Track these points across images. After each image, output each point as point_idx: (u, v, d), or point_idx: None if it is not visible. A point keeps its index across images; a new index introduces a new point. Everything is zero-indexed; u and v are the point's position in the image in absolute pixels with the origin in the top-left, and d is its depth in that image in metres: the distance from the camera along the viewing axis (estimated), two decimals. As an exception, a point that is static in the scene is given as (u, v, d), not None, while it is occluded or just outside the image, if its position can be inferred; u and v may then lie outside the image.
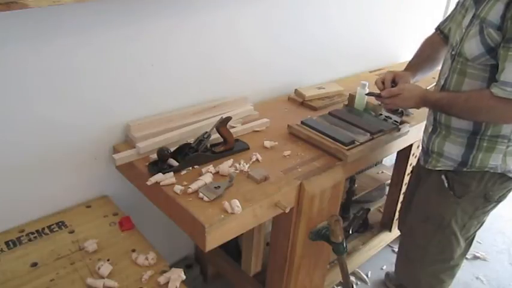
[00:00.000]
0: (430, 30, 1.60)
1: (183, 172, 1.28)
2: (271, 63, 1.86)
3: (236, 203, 1.12)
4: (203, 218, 1.08)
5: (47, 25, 1.16)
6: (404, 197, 1.82)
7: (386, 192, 2.17)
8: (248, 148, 1.43)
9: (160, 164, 1.28)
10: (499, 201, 1.39)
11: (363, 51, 2.33)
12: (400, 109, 1.60)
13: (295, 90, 1.89)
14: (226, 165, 1.29)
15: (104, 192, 1.49)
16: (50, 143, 1.30)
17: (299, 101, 1.84)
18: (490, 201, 1.37)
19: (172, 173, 1.24)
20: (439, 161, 1.40)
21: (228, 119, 1.38)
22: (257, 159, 1.37)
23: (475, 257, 2.23)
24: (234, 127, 1.53)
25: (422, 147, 1.50)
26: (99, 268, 1.14)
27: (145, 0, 1.33)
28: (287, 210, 1.22)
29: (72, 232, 1.29)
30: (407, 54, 1.61)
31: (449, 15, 1.51)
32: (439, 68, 1.49)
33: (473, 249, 2.25)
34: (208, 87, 1.65)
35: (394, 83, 1.46)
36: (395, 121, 1.60)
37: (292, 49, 1.91)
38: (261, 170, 1.28)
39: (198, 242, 1.15)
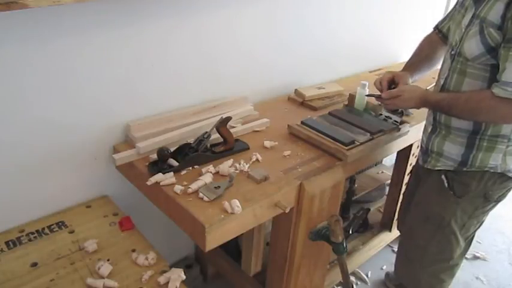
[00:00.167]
0: (429, 30, 1.60)
1: (183, 172, 1.28)
2: (271, 63, 1.86)
3: (236, 203, 1.12)
4: (203, 218, 1.08)
5: (47, 25, 1.16)
6: (403, 198, 1.82)
7: (387, 192, 2.17)
8: (248, 148, 1.43)
9: (160, 164, 1.28)
10: (498, 200, 1.39)
11: (363, 51, 2.33)
12: (400, 109, 1.61)
13: (295, 90, 1.89)
14: (226, 165, 1.29)
15: (104, 192, 1.49)
16: (50, 143, 1.30)
17: (299, 101, 1.84)
18: (489, 200, 1.37)
19: (172, 173, 1.24)
20: (438, 161, 1.40)
21: (228, 119, 1.38)
22: (257, 159, 1.37)
23: (475, 257, 2.23)
24: (234, 127, 1.53)
25: (422, 147, 1.50)
26: (99, 268, 1.14)
27: (145, 0, 1.33)
28: (287, 210, 1.22)
29: (72, 232, 1.29)
30: (407, 54, 1.61)
31: (448, 15, 1.51)
32: (438, 67, 1.50)
33: (473, 249, 2.25)
34: (208, 87, 1.65)
35: (393, 83, 1.46)
36: (395, 121, 1.60)
37: (292, 49, 1.91)
38: (261, 170, 1.28)
39: (198, 242, 1.15)
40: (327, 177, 1.35)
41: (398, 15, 2.44)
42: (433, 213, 1.44)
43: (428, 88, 1.70)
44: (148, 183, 1.21)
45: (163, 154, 1.25)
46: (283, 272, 1.46)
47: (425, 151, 1.46)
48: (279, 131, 1.57)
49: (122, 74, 1.38)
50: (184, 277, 1.14)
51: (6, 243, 1.23)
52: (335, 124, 1.56)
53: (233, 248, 1.82)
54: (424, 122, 1.53)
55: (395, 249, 2.13)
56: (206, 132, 1.36)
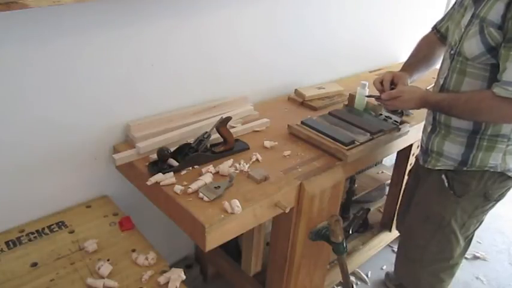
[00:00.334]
0: (429, 30, 1.60)
1: (183, 172, 1.28)
2: (271, 63, 1.86)
3: (236, 203, 1.12)
4: (203, 218, 1.08)
5: (47, 25, 1.16)
6: (402, 198, 1.82)
7: (387, 192, 2.17)
8: (248, 148, 1.43)
9: (160, 164, 1.28)
10: (498, 200, 1.40)
11: (363, 51, 2.33)
12: (400, 109, 1.61)
13: (295, 90, 1.89)
14: (226, 165, 1.29)
15: (104, 192, 1.49)
16: (50, 143, 1.30)
17: (299, 101, 1.84)
18: (489, 200, 1.38)
19: (172, 173, 1.24)
20: (438, 161, 1.40)
21: (228, 119, 1.38)
22: (257, 159, 1.37)
23: (475, 257, 2.23)
24: (234, 127, 1.53)
25: (421, 146, 1.50)
26: (99, 268, 1.14)
27: (145, 0, 1.33)
28: (287, 210, 1.22)
29: (72, 232, 1.29)
30: (407, 54, 1.61)
31: (446, 14, 1.52)
32: (436, 67, 1.50)
33: (473, 249, 2.25)
34: (208, 87, 1.65)
35: (392, 83, 1.46)
36: (395, 121, 1.60)
37: (292, 49, 1.91)
38: (261, 170, 1.28)
39: (198, 242, 1.15)
40: (327, 177, 1.35)
41: (398, 15, 2.44)
42: (433, 213, 1.44)
43: (428, 88, 1.70)
44: (148, 183, 1.21)
45: (163, 154, 1.25)
46: (283, 272, 1.46)
47: (425, 151, 1.46)
48: (279, 131, 1.57)
49: (122, 74, 1.38)
50: (184, 277, 1.14)
51: (6, 243, 1.23)
52: (335, 124, 1.56)
53: (233, 248, 1.82)
54: (423, 122, 1.53)
55: (395, 249, 2.13)
56: (206, 132, 1.36)
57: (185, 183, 1.22)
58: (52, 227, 1.31)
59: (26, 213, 1.32)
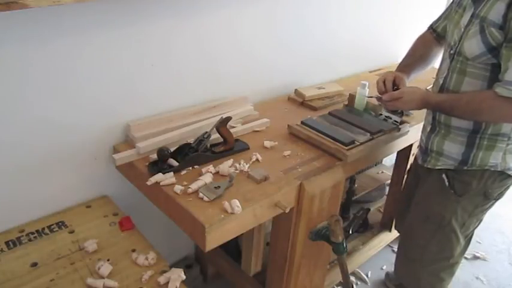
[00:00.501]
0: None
1: (183, 172, 1.28)
2: (271, 63, 1.86)
3: (236, 203, 1.12)
4: (203, 218, 1.08)
5: (47, 25, 1.16)
6: (401, 197, 1.82)
7: (387, 192, 2.17)
8: (248, 148, 1.43)
9: (160, 164, 1.28)
10: (497, 198, 1.40)
11: (363, 51, 2.33)
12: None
13: (295, 90, 1.89)
14: (226, 165, 1.29)
15: (104, 192, 1.49)
16: (50, 143, 1.30)
17: (299, 101, 1.84)
18: (489, 198, 1.38)
19: (172, 173, 1.24)
20: (438, 160, 1.40)
21: (228, 119, 1.38)
22: (257, 159, 1.37)
23: (475, 257, 2.23)
24: (234, 127, 1.53)
25: (421, 146, 1.50)
26: (99, 268, 1.14)
27: (145, 0, 1.33)
28: (287, 210, 1.22)
29: (72, 232, 1.29)
30: (406, 54, 1.61)
31: (442, 14, 1.52)
32: (432, 66, 1.50)
33: (473, 249, 2.25)
34: (209, 87, 1.65)
35: (394, 84, 1.46)
36: (395, 121, 1.60)
37: (292, 49, 1.91)
38: (261, 170, 1.28)
39: (198, 242, 1.15)
40: (327, 177, 1.35)
41: (398, 15, 2.44)
42: (434, 213, 1.44)
43: (427, 88, 1.70)
44: (148, 183, 1.21)
45: (163, 154, 1.25)
46: (283, 272, 1.46)
47: (424, 151, 1.46)
48: (279, 131, 1.57)
49: (122, 74, 1.38)
50: (184, 277, 1.14)
51: (6, 243, 1.23)
52: (335, 124, 1.56)
53: (233, 248, 1.82)
54: (423, 122, 1.54)
55: (395, 249, 2.13)
56: (206, 132, 1.36)
57: (185, 183, 1.22)
58: (52, 227, 1.31)
59: (26, 213, 1.32)
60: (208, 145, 1.38)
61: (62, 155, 1.34)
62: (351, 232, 1.51)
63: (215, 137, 1.39)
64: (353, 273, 2.03)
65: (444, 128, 1.38)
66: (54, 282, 1.10)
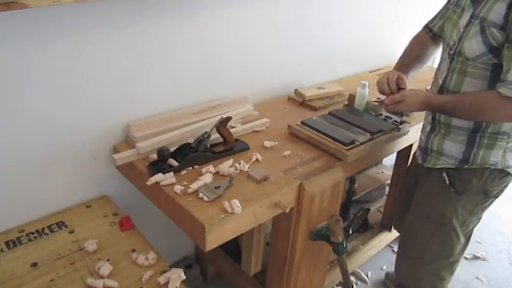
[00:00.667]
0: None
1: (183, 172, 1.28)
2: (272, 63, 1.86)
3: (236, 203, 1.12)
4: (203, 218, 1.08)
5: (47, 25, 1.16)
6: (400, 196, 1.82)
7: (387, 192, 2.17)
8: (248, 148, 1.43)
9: (160, 164, 1.28)
10: (496, 196, 1.41)
11: (363, 51, 2.33)
12: (400, 110, 1.61)
13: (295, 90, 1.89)
14: (226, 165, 1.29)
15: (104, 192, 1.49)
16: (50, 143, 1.30)
17: (299, 101, 1.84)
18: (488, 196, 1.39)
19: (172, 173, 1.24)
20: (439, 159, 1.41)
21: (228, 119, 1.38)
22: (257, 159, 1.37)
23: (475, 257, 2.23)
24: (234, 127, 1.53)
25: (421, 146, 1.50)
26: (99, 268, 1.14)
27: (145, 0, 1.33)
28: (287, 210, 1.22)
29: (72, 232, 1.29)
30: (406, 54, 1.61)
31: (438, 14, 1.52)
32: (427, 65, 1.50)
33: (473, 249, 2.25)
34: (209, 87, 1.65)
35: (396, 84, 1.46)
36: (395, 121, 1.60)
37: (292, 49, 1.91)
38: (261, 170, 1.28)
39: (198, 242, 1.15)
40: (327, 177, 1.35)
41: (398, 15, 2.43)
42: (434, 212, 1.44)
43: (427, 88, 1.70)
44: (148, 183, 1.21)
45: (163, 154, 1.25)
46: (283, 272, 1.46)
47: (424, 150, 1.46)
48: (279, 131, 1.57)
49: (122, 74, 1.38)
50: (184, 277, 1.14)
51: (6, 243, 1.23)
52: (335, 124, 1.56)
53: (233, 248, 1.82)
54: (423, 122, 1.54)
55: (396, 249, 2.13)
56: (206, 132, 1.36)
57: (185, 183, 1.22)
58: (52, 227, 1.31)
59: (26, 213, 1.32)
60: (208, 145, 1.38)
61: (62, 155, 1.34)
62: (351, 232, 1.51)
63: (215, 137, 1.39)
64: (353, 273, 2.03)
65: (444, 128, 1.38)
66: (54, 282, 1.10)
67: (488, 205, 1.43)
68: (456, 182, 1.38)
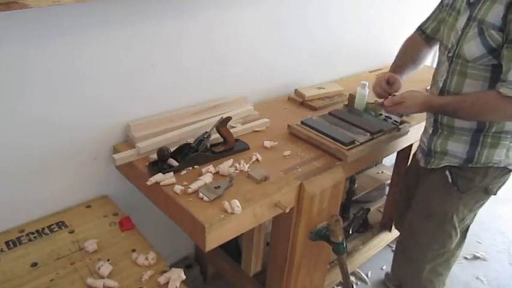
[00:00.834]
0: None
1: (183, 172, 1.28)
2: (272, 63, 1.86)
3: (236, 203, 1.12)
4: (203, 218, 1.08)
5: (47, 25, 1.16)
6: (399, 196, 1.82)
7: (387, 192, 2.17)
8: (248, 148, 1.43)
9: (160, 164, 1.28)
10: (495, 193, 1.42)
11: (363, 51, 2.33)
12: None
13: (295, 90, 1.89)
14: (226, 165, 1.29)
15: (104, 192, 1.49)
16: (50, 143, 1.30)
17: (299, 101, 1.84)
18: (489, 194, 1.40)
19: (172, 173, 1.24)
20: (443, 159, 1.41)
21: (228, 119, 1.38)
22: (257, 159, 1.37)
23: (475, 257, 2.23)
24: (234, 127, 1.53)
25: (422, 148, 1.50)
26: (99, 268, 1.14)
27: (145, 0, 1.33)
28: (287, 210, 1.22)
29: (72, 232, 1.29)
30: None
31: (431, 16, 1.53)
32: (422, 65, 1.51)
33: (473, 249, 2.25)
34: (209, 87, 1.65)
35: (388, 82, 1.47)
36: (395, 121, 1.60)
37: (292, 49, 1.91)
38: (261, 170, 1.28)
39: (198, 242, 1.15)
40: (327, 177, 1.35)
41: (398, 15, 2.43)
42: (435, 210, 1.45)
43: (427, 88, 1.70)
44: (148, 183, 1.21)
45: (163, 154, 1.25)
46: (283, 272, 1.46)
47: (427, 153, 1.46)
48: (279, 131, 1.57)
49: (122, 74, 1.38)
50: (184, 277, 1.14)
51: (6, 243, 1.23)
52: (335, 124, 1.56)
53: (233, 248, 1.82)
54: (424, 122, 1.54)
55: (396, 249, 2.13)
56: (206, 132, 1.36)
57: (185, 183, 1.22)
58: (52, 227, 1.31)
59: (26, 213, 1.32)
60: (208, 145, 1.38)
61: (61, 155, 1.34)
62: (351, 232, 1.51)
63: (215, 137, 1.39)
64: (353, 273, 2.03)
65: (447, 130, 1.38)
66: (54, 282, 1.10)
67: (485, 202, 1.45)
68: (459, 180, 1.38)
